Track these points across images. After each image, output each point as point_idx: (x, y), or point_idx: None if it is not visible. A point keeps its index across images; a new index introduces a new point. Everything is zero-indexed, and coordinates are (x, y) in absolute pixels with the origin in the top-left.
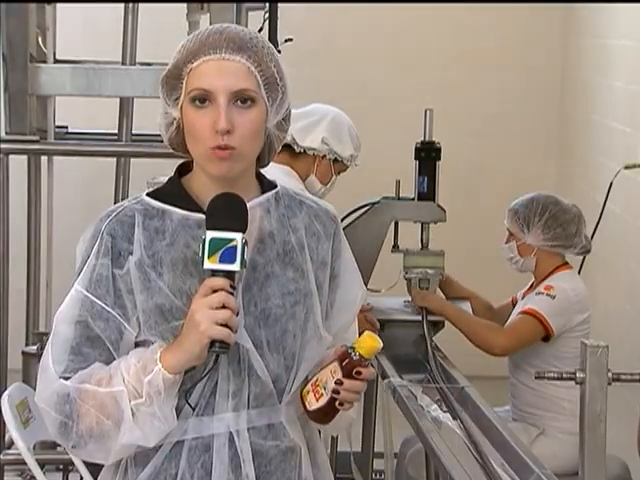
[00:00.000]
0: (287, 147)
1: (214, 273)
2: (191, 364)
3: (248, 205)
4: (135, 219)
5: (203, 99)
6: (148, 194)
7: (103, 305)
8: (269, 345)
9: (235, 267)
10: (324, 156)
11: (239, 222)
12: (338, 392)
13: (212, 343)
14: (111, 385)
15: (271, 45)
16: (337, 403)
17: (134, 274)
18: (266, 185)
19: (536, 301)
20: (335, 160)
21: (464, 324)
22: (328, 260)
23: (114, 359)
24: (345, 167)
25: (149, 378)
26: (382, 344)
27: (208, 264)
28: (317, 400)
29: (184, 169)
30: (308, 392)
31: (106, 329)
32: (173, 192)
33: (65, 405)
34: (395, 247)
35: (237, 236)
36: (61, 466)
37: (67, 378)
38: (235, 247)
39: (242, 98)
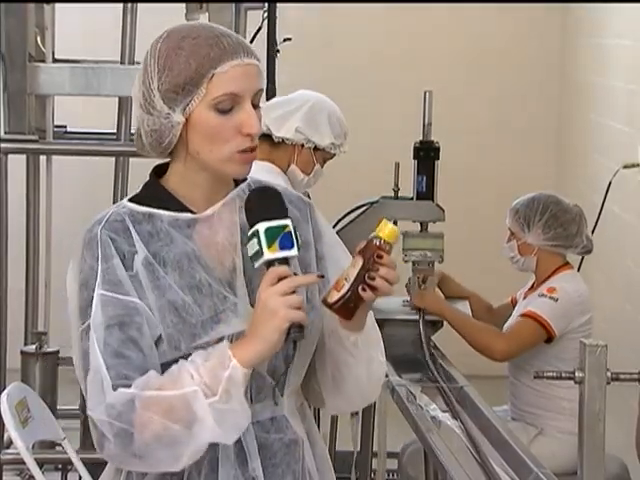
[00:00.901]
0: (266, 137)
1: (270, 263)
2: (268, 354)
3: (227, 198)
4: (126, 223)
5: (230, 104)
6: (130, 200)
7: (132, 299)
8: None
9: (294, 252)
10: (303, 145)
11: (283, 209)
12: (371, 278)
13: (288, 331)
14: (179, 387)
15: None
16: (360, 289)
17: (142, 273)
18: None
19: (538, 304)
20: (316, 149)
21: (463, 328)
22: (310, 240)
23: (151, 359)
24: (330, 155)
25: (228, 373)
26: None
27: (269, 254)
28: (338, 290)
29: (159, 171)
30: (329, 292)
31: (142, 324)
32: (157, 195)
33: (130, 414)
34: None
35: (288, 222)
36: (60, 465)
37: (122, 385)
38: (290, 232)
39: (255, 100)
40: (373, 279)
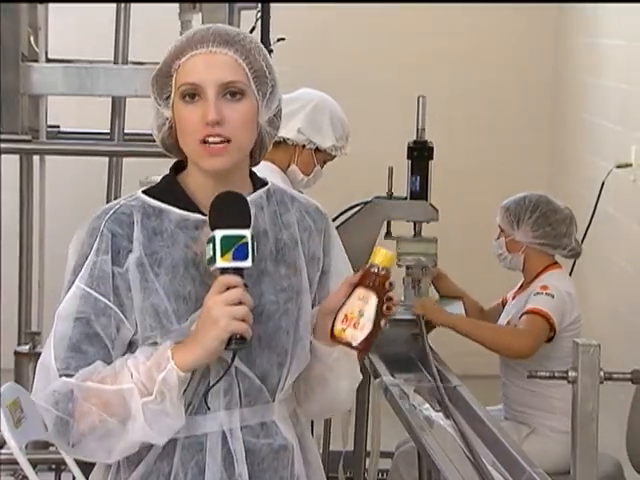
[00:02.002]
0: None
1: (223, 271)
2: (206, 361)
3: None
4: (133, 217)
5: (192, 94)
6: (144, 192)
7: (106, 301)
8: (260, 341)
9: (248, 263)
10: (304, 146)
11: (245, 218)
12: (388, 308)
13: (229, 340)
14: (118, 383)
15: (259, 42)
16: (382, 323)
17: (133, 272)
18: (257, 182)
19: (537, 300)
20: (317, 150)
21: (478, 333)
22: (319, 255)
23: (111, 357)
24: (331, 157)
25: (163, 375)
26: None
27: (222, 263)
28: (361, 330)
29: (179, 167)
30: (344, 330)
31: (107, 326)
32: (170, 190)
33: (67, 403)
34: (388, 234)
35: (247, 232)
36: (53, 466)
37: (68, 375)
38: (247, 244)
39: (231, 91)
40: (390, 309)
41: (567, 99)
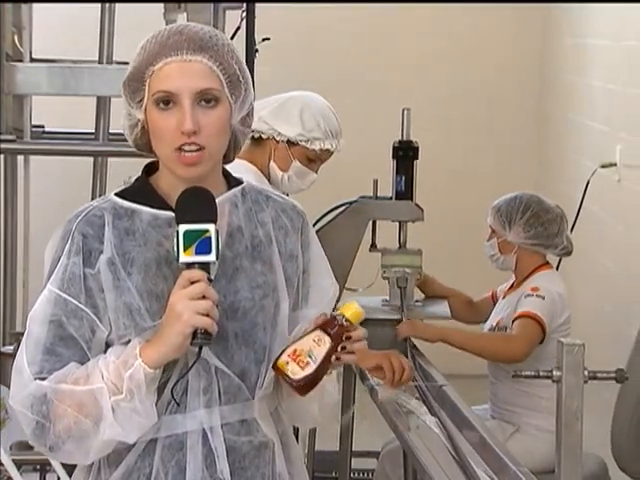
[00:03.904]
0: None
1: (189, 266)
2: (172, 356)
3: (216, 201)
4: (104, 219)
5: (167, 101)
6: (116, 194)
7: (77, 303)
8: (237, 338)
9: (211, 257)
10: (276, 139)
11: (210, 213)
12: (338, 359)
13: (194, 335)
14: (90, 383)
15: (231, 42)
16: (329, 371)
17: (105, 273)
18: (232, 181)
19: (529, 303)
20: (291, 143)
21: (471, 344)
22: (296, 253)
23: (88, 359)
24: (315, 153)
25: (130, 373)
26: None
27: (184, 257)
28: (303, 369)
29: (151, 168)
30: (287, 362)
31: (80, 328)
32: (141, 191)
33: (42, 406)
34: (373, 246)
35: (210, 227)
36: (38, 466)
37: (42, 379)
38: (210, 238)
39: (206, 98)
40: (339, 360)
41: (553, 99)
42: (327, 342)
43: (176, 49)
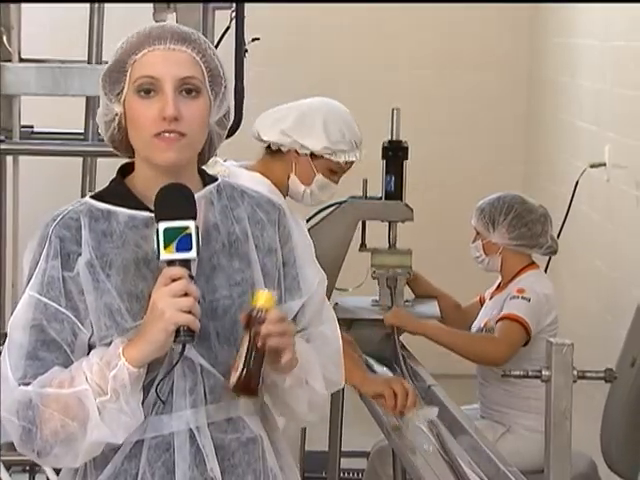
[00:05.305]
0: (267, 147)
1: (170, 263)
2: (155, 355)
3: None
4: (81, 221)
5: (148, 89)
6: (92, 196)
7: (57, 307)
8: (219, 337)
9: (192, 254)
10: (298, 152)
11: (189, 209)
12: (262, 344)
13: (177, 333)
14: (74, 385)
15: (210, 42)
16: (252, 363)
17: (84, 275)
18: (207, 179)
19: (513, 305)
20: (314, 156)
21: (453, 342)
22: (275, 247)
23: (71, 362)
24: (338, 164)
25: (114, 373)
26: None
27: (165, 255)
28: (235, 371)
29: (127, 170)
30: (230, 376)
31: (61, 331)
32: (117, 192)
33: (27, 411)
34: (363, 246)
35: (190, 223)
36: (27, 467)
37: (27, 384)
38: (190, 235)
39: (187, 88)
40: (262, 342)
41: (542, 99)
42: (246, 338)
43: (160, 39)
